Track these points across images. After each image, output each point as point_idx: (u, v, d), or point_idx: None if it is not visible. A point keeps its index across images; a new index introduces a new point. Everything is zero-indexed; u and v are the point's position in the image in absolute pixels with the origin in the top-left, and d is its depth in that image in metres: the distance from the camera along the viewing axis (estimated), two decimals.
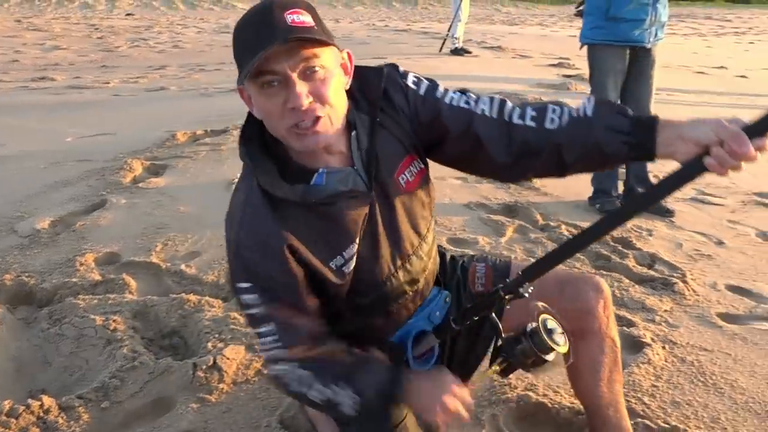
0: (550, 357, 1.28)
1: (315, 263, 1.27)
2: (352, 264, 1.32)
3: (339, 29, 17.04)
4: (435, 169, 1.45)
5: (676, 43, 14.49)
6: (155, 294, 2.56)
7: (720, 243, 3.26)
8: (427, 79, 1.39)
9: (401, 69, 1.37)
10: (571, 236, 3.12)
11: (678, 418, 1.90)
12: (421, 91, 1.35)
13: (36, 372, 2.11)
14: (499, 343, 1.35)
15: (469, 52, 11.39)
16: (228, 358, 2.06)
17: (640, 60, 3.60)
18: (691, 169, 1.11)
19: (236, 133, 5.10)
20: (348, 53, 1.29)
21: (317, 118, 1.16)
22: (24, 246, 3.00)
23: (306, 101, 1.13)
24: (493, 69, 9.81)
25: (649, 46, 3.55)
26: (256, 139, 1.28)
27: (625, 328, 2.36)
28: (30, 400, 1.86)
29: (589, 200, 3.77)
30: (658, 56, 3.67)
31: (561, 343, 1.30)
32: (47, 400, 1.86)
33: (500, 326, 1.35)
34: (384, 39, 13.03)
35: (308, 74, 1.15)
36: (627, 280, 2.75)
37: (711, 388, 2.06)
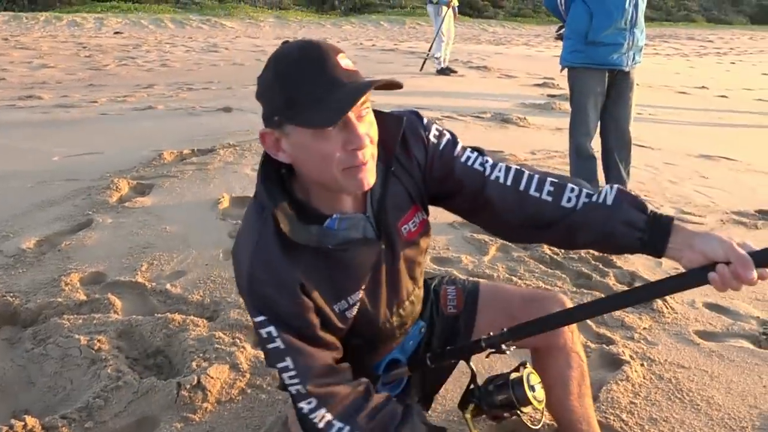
0: (527, 410, 1.34)
1: (321, 304, 1.29)
2: (355, 309, 1.35)
3: None
4: None
5: (658, 63, 14.73)
6: (140, 314, 2.57)
7: None
8: (448, 132, 1.41)
9: (425, 120, 1.39)
10: (550, 258, 3.17)
11: None
12: (441, 146, 1.38)
13: (19, 392, 2.11)
14: (471, 386, 1.41)
15: (455, 72, 11.50)
16: (212, 378, 2.08)
17: (619, 83, 3.69)
18: (694, 278, 1.17)
19: (223, 152, 5.13)
20: None
21: (368, 158, 1.19)
22: (9, 266, 2.99)
23: (366, 141, 1.17)
24: (478, 88, 9.93)
25: (627, 69, 3.65)
26: (275, 179, 1.28)
27: (604, 346, 2.40)
28: (13, 420, 1.86)
29: None
30: (636, 79, 3.76)
31: (540, 399, 1.35)
32: (30, 420, 1.87)
33: (475, 373, 1.42)
34: (371, 59, 13.15)
35: (362, 116, 1.18)
36: None
37: (688, 405, 2.10)
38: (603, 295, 2.76)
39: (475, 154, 1.40)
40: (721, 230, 3.82)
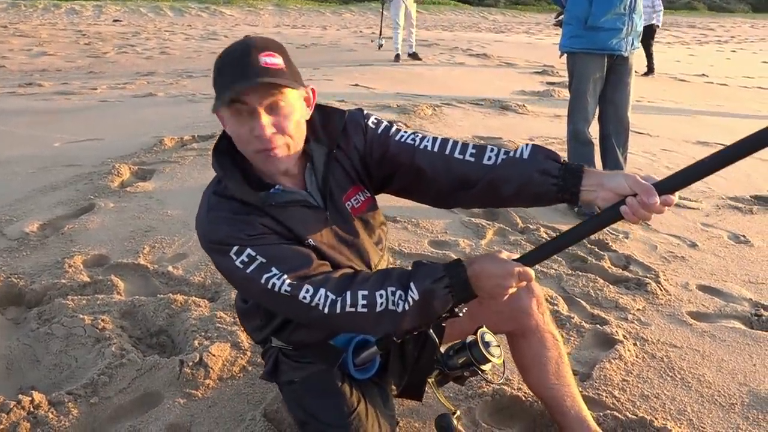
0: (486, 368, 1.42)
1: (281, 232, 1.42)
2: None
3: (326, 36, 17.13)
4: None
5: (659, 51, 14.67)
6: (143, 294, 2.62)
7: (693, 245, 3.37)
8: (388, 122, 1.57)
9: (365, 112, 1.57)
10: (548, 239, 3.21)
11: (646, 410, 1.98)
12: (379, 131, 1.53)
13: (26, 370, 2.16)
14: (436, 356, 1.47)
15: (421, 59, 11.46)
16: (214, 355, 2.13)
17: (618, 68, 3.72)
18: (609, 215, 1.27)
19: None
20: (312, 89, 1.48)
21: (277, 146, 1.35)
22: (13, 249, 3.04)
23: (269, 131, 1.32)
24: (478, 76, 9.93)
25: (626, 54, 3.67)
26: (227, 152, 1.45)
27: (598, 326, 2.45)
28: (21, 396, 1.91)
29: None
30: (635, 64, 3.79)
31: (497, 355, 1.44)
32: (37, 396, 1.91)
33: (437, 341, 1.49)
34: (372, 46, 13.12)
35: (273, 108, 1.33)
36: (602, 281, 2.84)
37: (679, 382, 2.15)
38: (597, 278, 2.82)
39: (409, 132, 1.54)
40: (716, 215, 3.87)
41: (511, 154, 1.43)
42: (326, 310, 1.35)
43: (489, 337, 1.47)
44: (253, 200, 1.39)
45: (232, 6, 28.59)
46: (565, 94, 8.27)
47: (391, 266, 1.67)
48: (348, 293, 1.35)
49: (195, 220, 1.46)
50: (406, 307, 1.33)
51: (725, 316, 2.63)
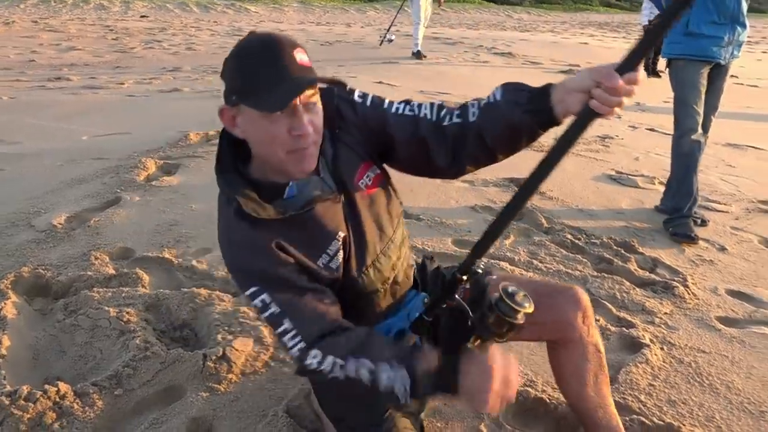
0: (519, 319, 1.33)
1: (303, 260, 1.37)
2: (339, 259, 1.43)
3: (351, 34, 17.14)
4: None
5: None
6: (167, 288, 2.63)
7: (722, 249, 3.30)
8: (372, 94, 1.53)
9: (348, 86, 1.51)
10: (572, 242, 3.17)
11: (673, 416, 1.95)
12: (368, 103, 1.50)
13: (52, 360, 2.18)
14: (469, 323, 1.42)
15: (425, 56, 11.35)
16: (237, 350, 2.13)
17: (713, 74, 3.59)
18: (582, 116, 1.21)
19: None
20: None
21: (312, 145, 1.31)
22: (40, 240, 3.08)
23: (310, 130, 1.28)
24: (503, 75, 9.86)
25: (724, 63, 3.57)
26: (231, 168, 1.40)
27: (624, 329, 2.41)
28: (46, 386, 1.93)
29: (664, 224, 3.57)
30: (731, 71, 3.69)
31: (526, 305, 1.33)
32: (63, 387, 1.93)
33: (467, 307, 1.43)
34: (396, 44, 13.09)
35: (309, 107, 1.30)
36: (628, 283, 2.80)
37: (707, 389, 2.11)
38: (624, 280, 2.77)
39: (403, 103, 1.50)
40: (746, 219, 3.79)
41: (487, 100, 1.40)
42: (332, 375, 1.33)
43: (512, 288, 1.37)
44: (270, 216, 1.34)
45: (258, 3, 28.74)
46: None
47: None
48: (351, 361, 1.32)
49: (217, 229, 1.42)
50: (404, 390, 1.31)
51: (755, 322, 2.58)
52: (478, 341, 1.39)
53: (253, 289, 1.34)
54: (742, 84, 9.81)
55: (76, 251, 2.95)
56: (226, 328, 2.28)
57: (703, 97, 3.55)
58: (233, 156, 1.40)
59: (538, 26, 24.61)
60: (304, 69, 1.27)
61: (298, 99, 1.25)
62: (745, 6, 3.49)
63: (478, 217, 3.56)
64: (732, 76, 10.51)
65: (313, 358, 1.33)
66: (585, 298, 1.64)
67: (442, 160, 1.46)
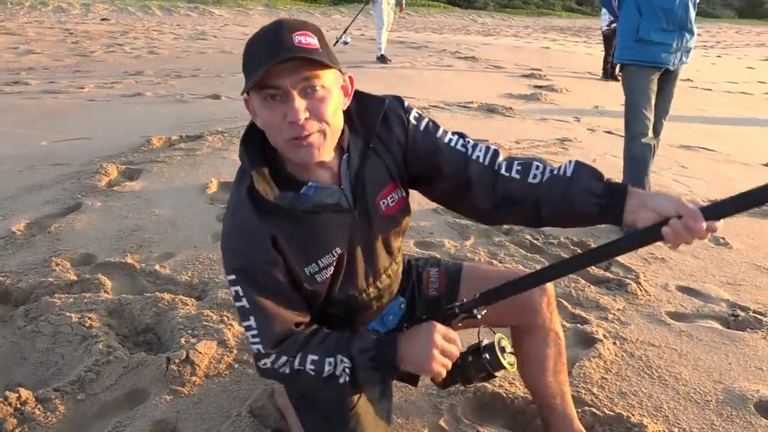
0: (499, 373, 1.41)
1: (291, 263, 1.36)
2: (327, 274, 1.42)
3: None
4: None
5: None
6: (130, 293, 2.63)
7: None
8: (429, 118, 1.50)
9: (406, 103, 1.48)
10: (530, 243, 3.26)
11: (623, 406, 2.03)
12: (421, 127, 1.46)
13: (12, 367, 2.17)
14: None
15: (390, 60, 11.46)
16: (200, 353, 2.15)
17: (662, 79, 3.72)
18: (649, 234, 1.22)
19: (211, 138, 5.17)
20: (350, 77, 1.39)
21: (312, 133, 1.25)
22: None
23: (303, 116, 1.22)
24: (466, 79, 10.00)
25: (673, 69, 3.69)
26: (256, 144, 1.36)
27: (578, 325, 2.50)
28: (7, 392, 1.92)
29: None
30: (680, 76, 3.82)
31: (512, 363, 1.42)
32: (24, 393, 1.93)
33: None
34: (361, 48, 13.16)
35: (308, 92, 1.24)
36: (584, 281, 2.89)
37: (656, 380, 2.20)
38: (579, 278, 2.86)
39: (457, 136, 1.48)
40: None
41: (556, 172, 1.40)
42: (282, 371, 1.38)
43: (505, 342, 1.45)
44: (280, 202, 1.30)
45: (222, 6, 28.52)
46: (552, 97, 8.38)
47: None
48: (299, 355, 1.37)
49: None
50: (346, 374, 1.36)
51: (703, 316, 2.69)
52: (447, 377, 1.45)
53: (232, 277, 1.35)
54: (696, 87, 10.12)
55: (36, 258, 2.93)
56: (190, 331, 2.30)
57: (653, 102, 3.69)
58: (262, 137, 1.35)
59: (502, 30, 24.96)
60: (302, 49, 1.21)
61: (288, 81, 1.21)
62: (693, 13, 3.64)
63: (440, 219, 3.63)
64: (687, 80, 10.82)
65: (268, 359, 1.38)
66: (550, 285, 1.70)
67: (483, 206, 1.45)
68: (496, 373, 1.41)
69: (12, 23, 17.60)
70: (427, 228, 3.48)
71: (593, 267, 3.06)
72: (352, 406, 1.54)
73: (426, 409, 1.98)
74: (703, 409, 2.05)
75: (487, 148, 1.48)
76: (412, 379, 1.69)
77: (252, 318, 1.36)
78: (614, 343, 2.40)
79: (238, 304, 1.36)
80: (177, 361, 2.10)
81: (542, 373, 1.73)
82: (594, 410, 1.97)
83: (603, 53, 10.91)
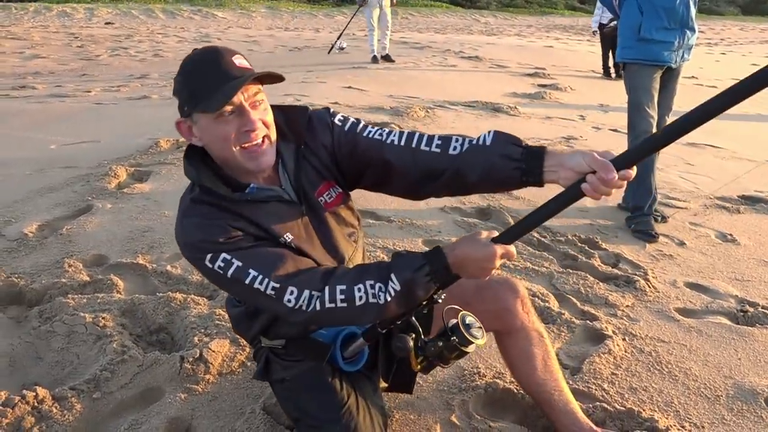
0: (470, 349, 1.46)
1: (260, 235, 1.45)
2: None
3: (319, 39, 17.16)
4: None
5: None
6: (142, 293, 2.66)
7: (681, 244, 3.44)
8: (354, 118, 1.60)
9: (331, 110, 1.61)
10: (538, 240, 3.26)
11: (634, 402, 2.05)
12: (346, 127, 1.56)
13: (28, 367, 2.20)
14: (419, 343, 1.51)
15: (392, 60, 11.42)
16: (213, 351, 2.18)
17: (664, 77, 3.73)
18: (571, 193, 1.30)
19: None
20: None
21: (264, 138, 1.41)
22: (12, 249, 3.07)
23: (259, 125, 1.39)
24: (470, 79, 10.00)
25: (675, 66, 3.70)
26: (198, 159, 1.48)
27: (588, 322, 2.51)
28: (25, 391, 1.95)
29: (626, 221, 3.70)
30: (683, 72, 3.83)
31: (479, 337, 1.47)
32: (41, 391, 1.96)
33: (419, 327, 1.53)
34: (365, 50, 13.17)
35: (256, 105, 1.41)
36: (592, 278, 2.91)
37: (666, 376, 2.21)
38: (588, 275, 2.88)
39: (376, 128, 1.57)
40: (704, 215, 3.95)
41: (475, 141, 1.46)
42: (308, 309, 1.40)
43: (470, 319, 1.50)
44: (229, 195, 1.43)
45: (225, 9, 28.60)
46: (556, 96, 8.39)
47: (369, 261, 1.72)
48: (327, 289, 1.39)
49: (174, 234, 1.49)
50: (388, 298, 1.38)
51: (712, 312, 2.70)
52: (425, 363, 1.50)
53: (210, 255, 1.40)
54: (701, 85, 10.11)
55: (49, 259, 2.96)
56: (202, 330, 2.32)
57: (656, 100, 3.70)
58: (202, 153, 1.48)
59: (505, 30, 24.96)
60: (244, 70, 1.38)
61: (242, 97, 1.36)
62: (693, 11, 3.65)
63: (448, 218, 3.64)
64: (692, 77, 10.80)
65: (290, 295, 1.39)
66: (522, 287, 1.78)
67: (408, 182, 1.52)
68: (468, 350, 1.45)
69: (17, 28, 17.70)
70: (434, 227, 3.50)
71: (602, 264, 3.08)
72: (343, 404, 1.59)
73: (438, 405, 2.00)
74: (714, 404, 2.07)
75: (402, 132, 1.55)
76: (407, 387, 1.73)
77: (251, 270, 1.40)
78: (624, 339, 2.41)
79: (230, 271, 1.39)
80: (191, 359, 2.13)
81: (533, 372, 1.78)
82: (605, 405, 1.98)
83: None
